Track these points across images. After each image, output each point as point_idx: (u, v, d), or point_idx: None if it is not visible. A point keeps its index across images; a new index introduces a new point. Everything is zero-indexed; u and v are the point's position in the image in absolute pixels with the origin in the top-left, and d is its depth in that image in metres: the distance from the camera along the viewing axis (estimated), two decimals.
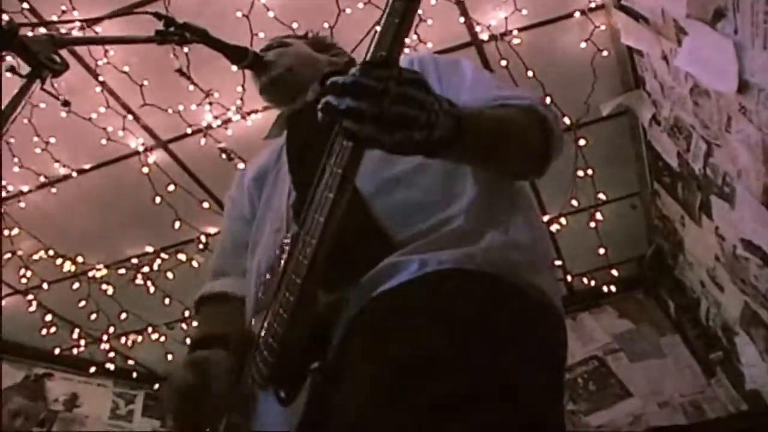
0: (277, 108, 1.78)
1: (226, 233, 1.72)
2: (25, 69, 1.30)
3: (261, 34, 3.25)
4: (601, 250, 4.63)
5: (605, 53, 3.55)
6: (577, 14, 3.46)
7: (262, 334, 1.22)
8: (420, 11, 2.94)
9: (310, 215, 1.10)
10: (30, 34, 1.26)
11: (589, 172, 4.07)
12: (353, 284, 1.17)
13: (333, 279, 1.16)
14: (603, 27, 3.47)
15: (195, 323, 1.60)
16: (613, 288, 4.94)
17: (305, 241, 1.10)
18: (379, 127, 0.90)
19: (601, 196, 4.26)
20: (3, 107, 1.21)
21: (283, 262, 1.23)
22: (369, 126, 0.90)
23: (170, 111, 3.65)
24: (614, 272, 4.83)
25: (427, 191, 1.28)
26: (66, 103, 1.48)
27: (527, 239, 1.24)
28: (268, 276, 1.32)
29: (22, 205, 4.09)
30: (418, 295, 1.10)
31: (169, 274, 4.65)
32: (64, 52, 1.31)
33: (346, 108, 0.91)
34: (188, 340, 5.01)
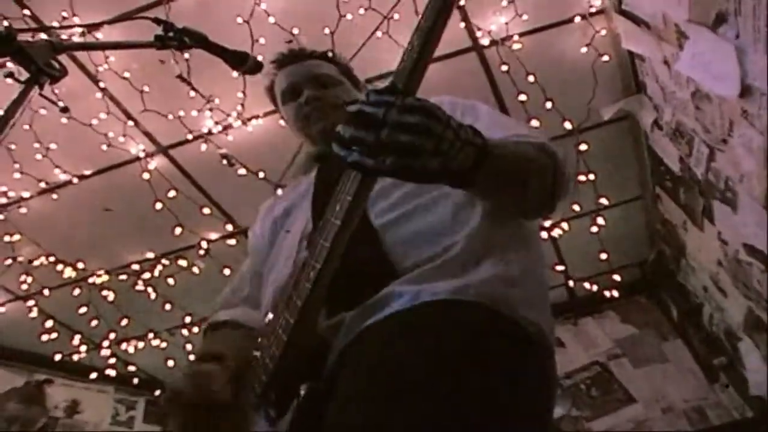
0: (308, 142, 1.74)
1: (246, 266, 1.72)
2: (23, 75, 1.30)
3: (261, 40, 3.26)
4: (603, 255, 4.61)
5: (606, 58, 3.54)
6: (577, 19, 3.45)
7: (262, 354, 1.23)
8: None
9: (318, 241, 1.11)
10: (30, 39, 1.25)
11: (591, 176, 4.06)
12: (355, 309, 1.18)
13: (337, 302, 1.18)
14: (604, 32, 3.47)
15: (201, 343, 1.60)
16: (615, 293, 4.91)
17: (311, 266, 1.11)
18: (380, 155, 0.91)
19: (603, 200, 4.25)
20: (2, 112, 1.20)
21: (291, 287, 1.23)
22: (370, 154, 0.91)
23: (171, 117, 3.64)
24: (616, 277, 4.81)
25: (436, 222, 1.29)
26: (65, 110, 1.48)
27: (523, 272, 1.24)
28: (277, 301, 1.33)
29: (23, 211, 4.09)
30: (409, 325, 1.11)
31: (170, 280, 4.64)
32: (64, 59, 1.30)
33: (349, 137, 0.92)
34: (189, 347, 5.05)
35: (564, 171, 1.28)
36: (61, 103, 1.51)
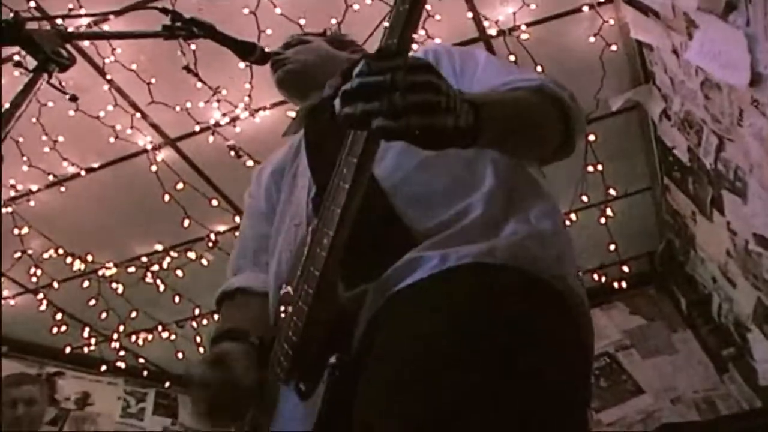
0: (292, 102, 1.79)
1: (245, 230, 1.72)
2: (28, 67, 1.30)
3: (268, 31, 3.25)
4: (612, 246, 4.61)
5: (614, 48, 3.52)
6: (585, 9, 3.42)
7: (284, 327, 1.22)
8: (428, 6, 2.92)
9: (327, 207, 1.10)
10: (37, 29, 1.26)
11: (599, 167, 4.05)
12: (375, 278, 1.16)
13: (354, 272, 1.16)
14: (612, 21, 3.44)
15: (217, 319, 1.60)
16: (623, 284, 4.90)
17: (323, 233, 1.10)
18: (399, 120, 0.87)
19: (611, 191, 4.24)
20: (10, 102, 1.20)
21: (304, 254, 1.22)
22: (390, 121, 0.87)
23: (178, 109, 3.64)
24: (625, 268, 4.81)
25: (447, 180, 1.26)
26: (74, 98, 1.48)
27: (550, 229, 1.21)
28: (290, 270, 1.32)
29: (32, 204, 4.10)
30: (439, 292, 1.09)
31: (179, 272, 4.66)
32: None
33: (361, 113, 0.89)
34: (198, 339, 5.06)
35: (570, 106, 1.25)
36: (70, 93, 1.50)
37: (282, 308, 1.30)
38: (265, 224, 1.61)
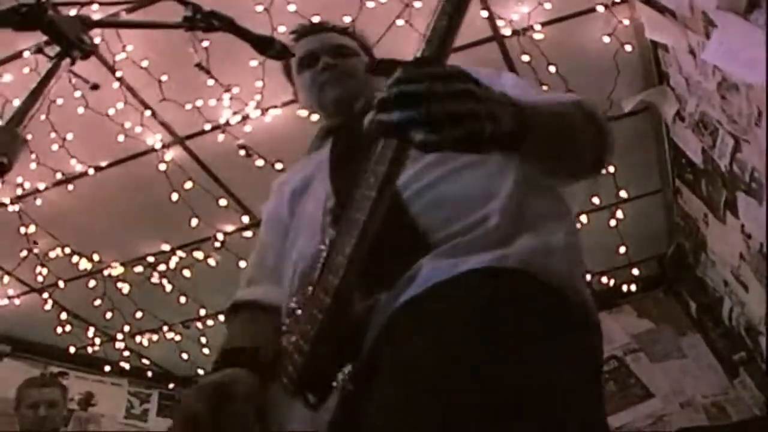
0: (322, 111, 1.72)
1: (264, 241, 1.68)
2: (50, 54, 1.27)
3: (281, 29, 3.21)
4: (622, 249, 4.58)
5: (628, 48, 3.49)
6: (600, 8, 3.39)
7: (293, 338, 1.20)
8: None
9: (350, 215, 1.08)
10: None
11: (611, 169, 4.02)
12: (388, 286, 1.14)
13: (370, 282, 1.13)
14: (626, 21, 3.41)
15: (227, 329, 1.56)
16: (632, 287, 4.88)
17: (344, 241, 1.08)
18: (440, 131, 0.85)
19: (622, 193, 4.21)
20: (31, 89, 1.18)
21: (319, 265, 1.20)
22: (430, 134, 0.85)
23: (188, 107, 3.61)
24: (634, 271, 4.78)
25: (466, 190, 1.25)
26: (95, 86, 1.45)
27: (562, 245, 1.20)
28: (303, 280, 1.30)
29: (39, 202, 4.07)
30: (452, 295, 1.07)
31: (186, 273, 4.64)
32: None
33: (398, 122, 0.86)
34: (203, 340, 5.03)
35: (604, 122, 1.25)
36: (88, 82, 1.47)
37: (288, 320, 1.28)
38: (282, 239, 1.58)
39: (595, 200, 4.18)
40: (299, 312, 1.24)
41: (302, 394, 1.14)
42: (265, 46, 1.58)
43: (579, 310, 1.13)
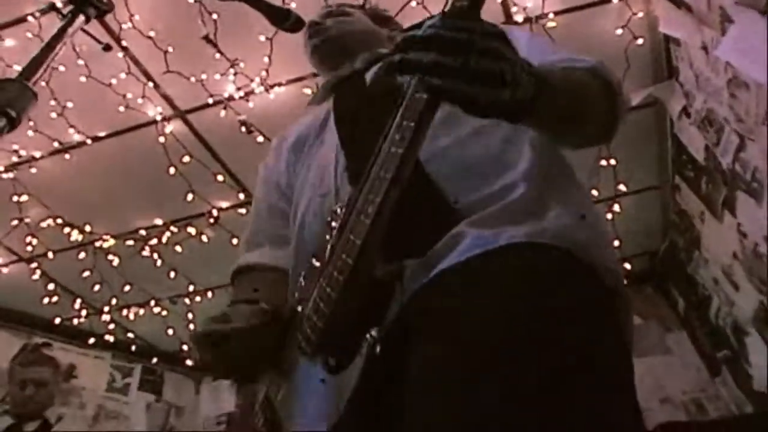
0: (320, 73, 1.74)
1: (260, 202, 1.66)
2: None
3: (293, 5, 3.17)
4: (615, 243, 4.59)
5: (640, 41, 3.47)
6: (615, 0, 3.38)
7: (311, 299, 1.16)
8: None
9: (374, 173, 1.03)
10: None
11: (612, 162, 4.02)
12: (414, 252, 1.11)
13: (392, 246, 1.08)
14: (641, 14, 3.39)
15: (232, 292, 1.55)
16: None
17: (367, 200, 1.03)
18: (465, 82, 0.84)
19: (621, 187, 4.22)
20: (44, 45, 1.14)
21: (336, 226, 1.16)
22: (455, 81, 0.85)
23: (192, 80, 3.55)
24: (626, 266, 4.79)
25: (483, 155, 1.23)
26: (107, 47, 1.41)
27: (591, 215, 1.19)
28: (317, 242, 1.25)
29: (33, 171, 4.00)
30: (490, 270, 1.04)
31: (178, 248, 4.58)
32: None
33: (430, 62, 0.85)
34: (190, 316, 4.98)
35: (619, 91, 1.24)
36: (102, 43, 1.42)
37: (303, 282, 1.23)
38: (283, 199, 1.56)
39: (594, 192, 4.18)
40: (314, 273, 1.19)
41: (322, 356, 1.11)
42: (280, 17, 1.55)
43: (611, 288, 1.12)
